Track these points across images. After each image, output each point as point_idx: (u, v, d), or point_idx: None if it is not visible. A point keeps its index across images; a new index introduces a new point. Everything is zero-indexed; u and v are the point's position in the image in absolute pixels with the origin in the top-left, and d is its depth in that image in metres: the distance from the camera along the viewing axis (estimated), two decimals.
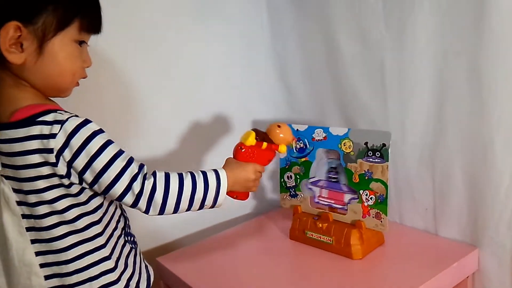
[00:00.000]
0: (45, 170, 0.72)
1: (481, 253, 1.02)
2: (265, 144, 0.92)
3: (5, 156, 0.74)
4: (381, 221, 1.01)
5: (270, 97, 1.43)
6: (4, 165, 0.75)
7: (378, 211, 1.01)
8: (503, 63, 0.89)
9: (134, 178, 0.75)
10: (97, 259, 0.78)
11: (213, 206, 0.83)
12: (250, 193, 0.93)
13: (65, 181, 0.74)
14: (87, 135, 0.72)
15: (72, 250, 0.76)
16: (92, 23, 0.78)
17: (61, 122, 0.72)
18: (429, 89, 1.03)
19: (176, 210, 0.79)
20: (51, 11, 0.72)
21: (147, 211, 0.77)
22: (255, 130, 0.92)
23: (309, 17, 1.26)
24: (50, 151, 0.71)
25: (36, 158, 0.72)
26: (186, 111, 1.29)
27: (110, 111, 1.15)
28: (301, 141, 1.14)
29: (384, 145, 0.99)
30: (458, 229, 1.06)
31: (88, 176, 0.73)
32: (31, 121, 0.72)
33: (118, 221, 0.84)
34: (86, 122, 0.73)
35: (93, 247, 0.78)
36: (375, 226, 1.02)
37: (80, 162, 0.72)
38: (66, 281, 0.77)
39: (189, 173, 0.81)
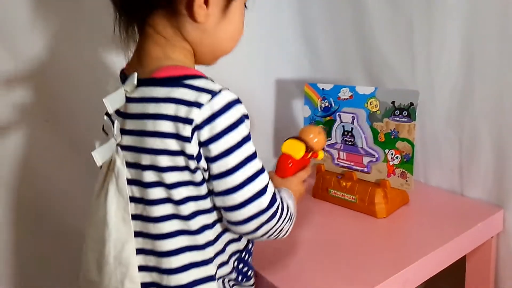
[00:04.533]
0: (173, 145, 0.59)
1: (506, 214, 1.02)
2: (309, 154, 0.87)
3: (132, 119, 0.62)
4: (406, 180, 1.01)
5: (293, 56, 1.40)
6: (125, 132, 0.63)
7: (404, 170, 1.01)
8: None
9: (274, 198, 0.65)
10: (203, 276, 0.63)
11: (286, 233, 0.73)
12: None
13: (192, 164, 0.60)
14: (236, 118, 0.60)
15: (178, 256, 0.62)
16: None
17: (212, 93, 0.59)
18: (458, 49, 1.01)
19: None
20: None
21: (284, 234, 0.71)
22: (298, 139, 0.86)
23: None
24: (188, 121, 0.58)
25: (167, 126, 0.59)
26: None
27: None
28: (326, 100, 1.13)
29: (411, 104, 0.97)
30: (484, 189, 1.06)
31: (215, 169, 0.60)
32: (176, 81, 0.60)
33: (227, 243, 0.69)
34: (238, 101, 0.61)
35: (201, 259, 0.63)
36: (400, 186, 1.02)
37: (218, 148, 0.59)
38: None
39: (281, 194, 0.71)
